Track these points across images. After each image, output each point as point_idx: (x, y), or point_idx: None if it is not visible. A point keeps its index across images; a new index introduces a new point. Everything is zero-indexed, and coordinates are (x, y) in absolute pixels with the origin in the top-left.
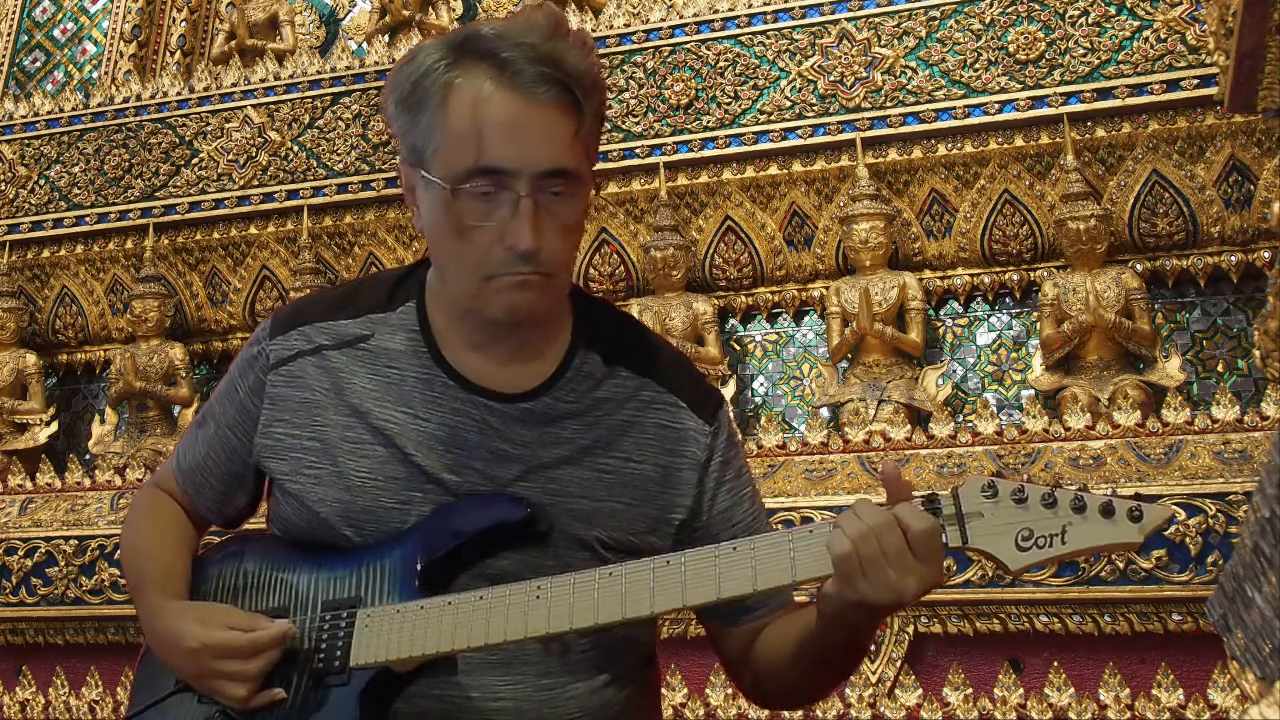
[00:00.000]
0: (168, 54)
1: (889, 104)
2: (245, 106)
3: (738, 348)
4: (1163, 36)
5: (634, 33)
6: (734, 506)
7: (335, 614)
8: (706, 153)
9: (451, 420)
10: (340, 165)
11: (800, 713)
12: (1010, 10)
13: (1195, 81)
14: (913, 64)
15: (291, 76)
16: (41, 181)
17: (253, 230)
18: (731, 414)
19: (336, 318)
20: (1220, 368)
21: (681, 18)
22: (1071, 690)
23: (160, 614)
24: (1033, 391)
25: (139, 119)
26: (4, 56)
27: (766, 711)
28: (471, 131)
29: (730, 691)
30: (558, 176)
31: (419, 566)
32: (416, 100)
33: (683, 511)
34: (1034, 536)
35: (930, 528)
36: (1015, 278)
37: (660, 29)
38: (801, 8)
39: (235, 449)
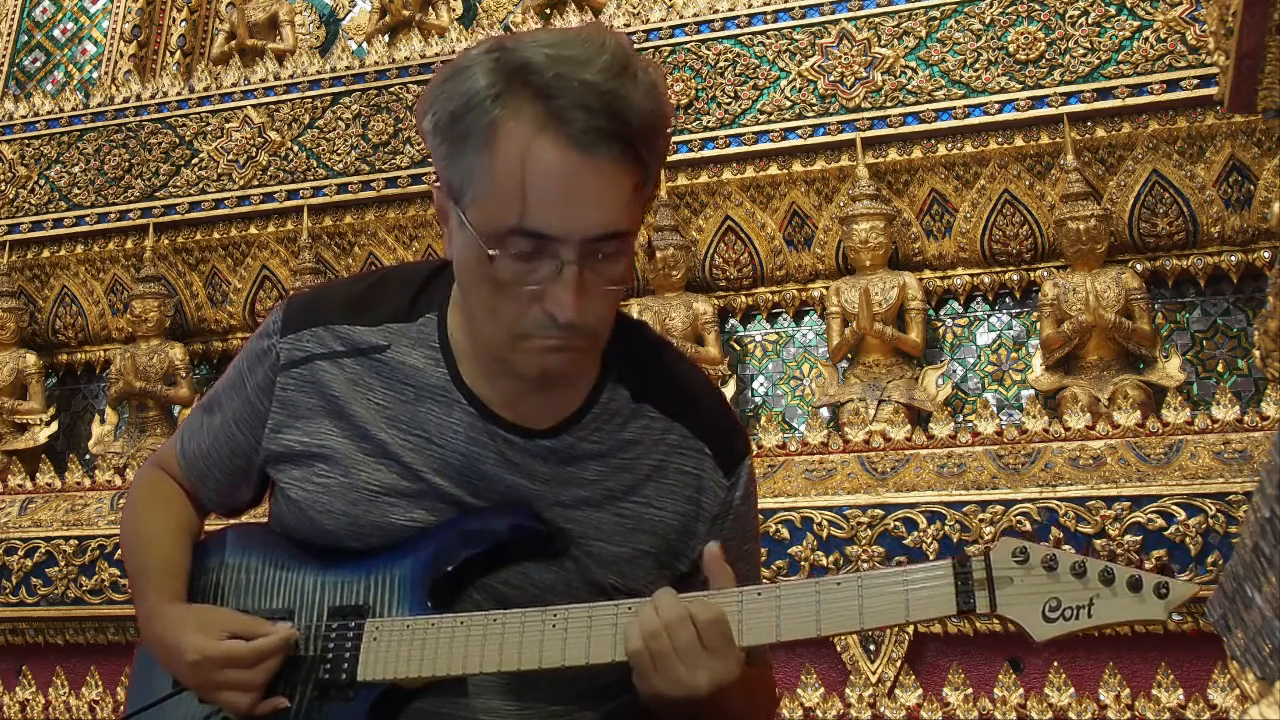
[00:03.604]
0: (168, 54)
1: (889, 104)
2: (245, 106)
3: (738, 348)
4: (1163, 36)
5: (634, 33)
6: (730, 565)
7: (343, 623)
8: (706, 153)
9: (468, 449)
10: (340, 165)
11: (800, 712)
12: (1010, 10)
13: (1195, 81)
14: (913, 64)
15: (291, 76)
16: (41, 181)
17: (253, 230)
18: (754, 466)
19: (353, 321)
20: (1220, 368)
21: (681, 18)
22: (1071, 690)
23: (159, 619)
24: (1033, 391)
25: (139, 119)
26: (4, 56)
27: None
28: (515, 188)
29: None
30: (608, 240)
31: (429, 578)
32: (457, 135)
33: (687, 564)
34: (1061, 607)
35: (716, 618)
36: (1015, 278)
37: (660, 29)
38: (801, 8)
39: (240, 444)
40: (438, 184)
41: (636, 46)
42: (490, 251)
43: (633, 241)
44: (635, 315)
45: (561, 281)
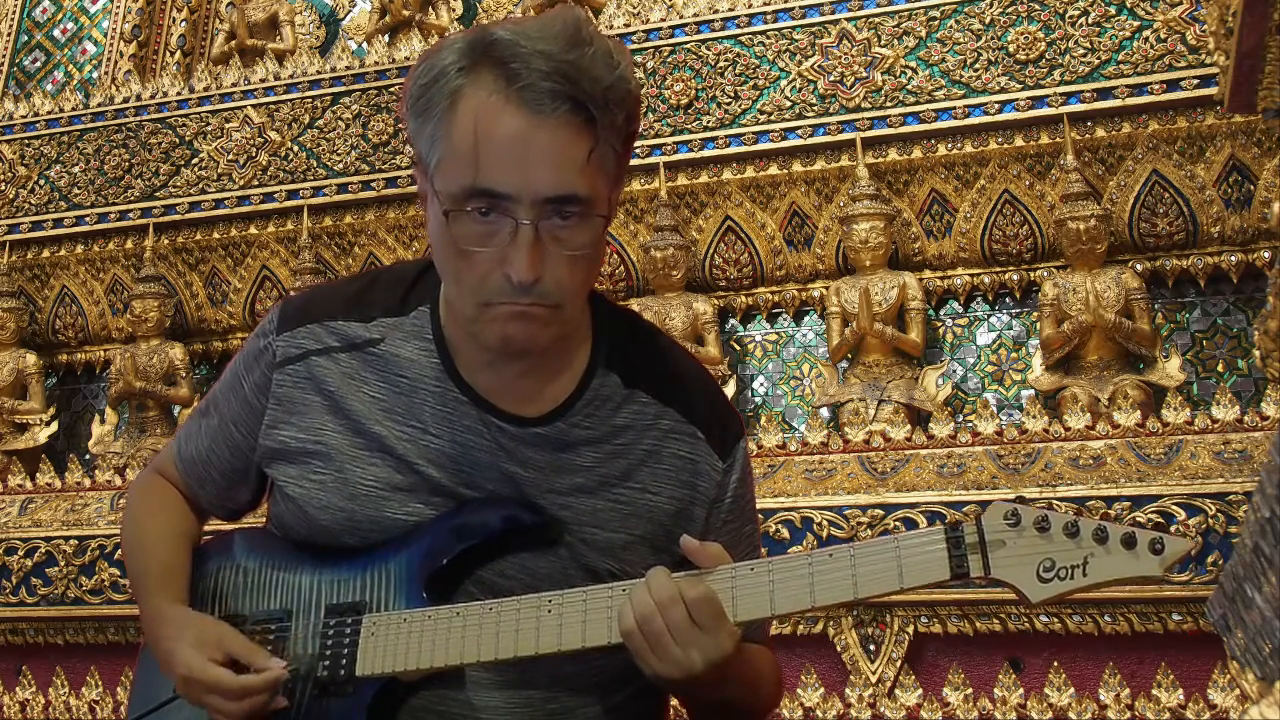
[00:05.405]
0: (168, 54)
1: (889, 104)
2: (245, 106)
3: (738, 348)
4: (1163, 36)
5: (634, 33)
6: (730, 548)
7: (340, 620)
8: (706, 153)
9: (463, 438)
10: (340, 165)
11: (800, 712)
12: (1010, 10)
13: (1195, 81)
14: (913, 64)
15: (291, 76)
16: (41, 181)
17: (253, 230)
18: (748, 448)
19: (348, 318)
20: (1220, 368)
21: (681, 18)
22: (1071, 690)
23: (161, 623)
24: (1033, 391)
25: (139, 119)
26: (4, 56)
27: None
28: (470, 148)
29: None
30: (565, 203)
31: (425, 572)
32: (424, 105)
33: None
34: (1056, 567)
35: (705, 595)
36: (1015, 278)
37: (660, 29)
38: (801, 8)
39: (238, 444)
40: (416, 166)
41: (636, 46)
42: (446, 210)
43: (598, 213)
44: None
45: (516, 242)
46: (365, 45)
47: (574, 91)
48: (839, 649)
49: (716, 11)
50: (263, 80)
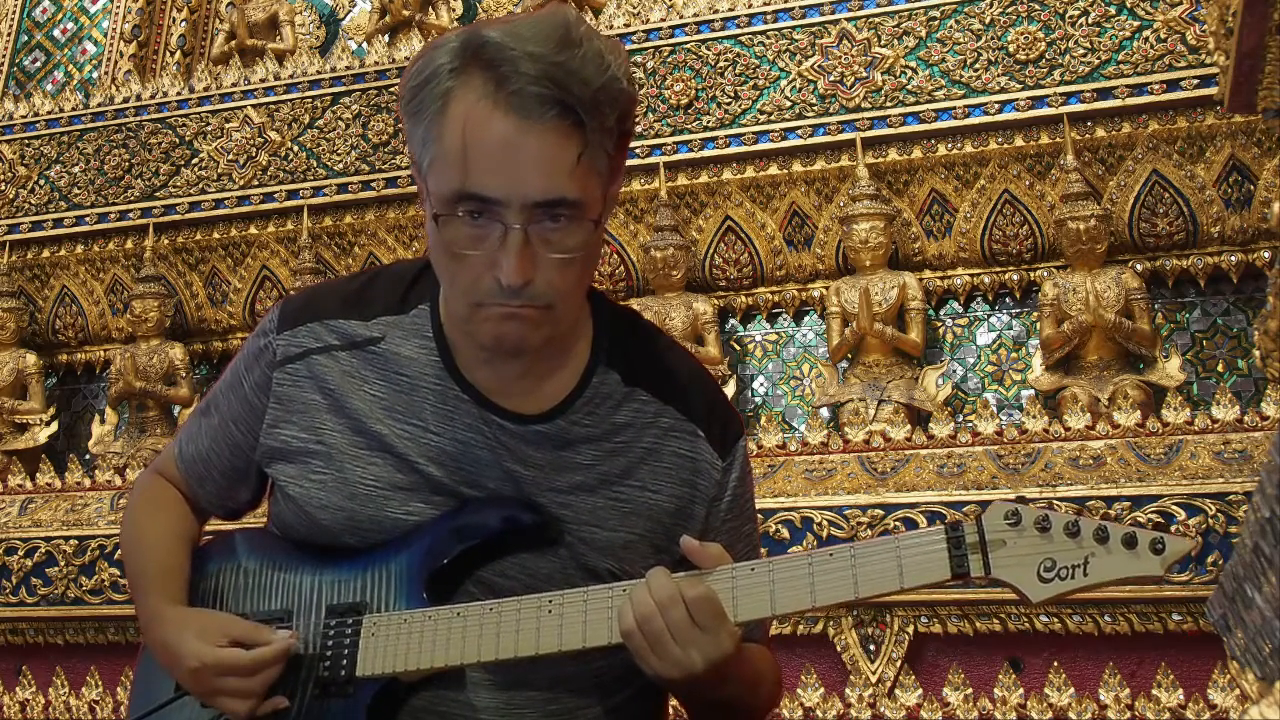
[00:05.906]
0: (168, 54)
1: (889, 104)
2: (245, 106)
3: (738, 348)
4: (1163, 36)
5: (634, 33)
6: (730, 547)
7: (340, 620)
8: (706, 153)
9: (464, 436)
10: (340, 165)
11: (800, 712)
12: (1010, 10)
13: (1195, 81)
14: (913, 64)
15: (291, 76)
16: (41, 181)
17: (253, 230)
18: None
19: (348, 316)
20: (1220, 368)
21: (681, 18)
22: (1071, 690)
23: (160, 622)
24: (1033, 391)
25: (139, 119)
26: (4, 56)
27: None
28: (459, 153)
29: None
30: (554, 206)
31: (425, 572)
32: (416, 107)
33: None
34: (1056, 567)
35: (705, 594)
36: (1015, 278)
37: (660, 29)
38: (801, 8)
39: (239, 444)
40: (414, 165)
41: (636, 46)
42: (436, 213)
43: (589, 215)
44: None
45: (506, 246)
46: (365, 45)
47: (562, 95)
48: (839, 649)
49: (716, 11)
50: (263, 80)
